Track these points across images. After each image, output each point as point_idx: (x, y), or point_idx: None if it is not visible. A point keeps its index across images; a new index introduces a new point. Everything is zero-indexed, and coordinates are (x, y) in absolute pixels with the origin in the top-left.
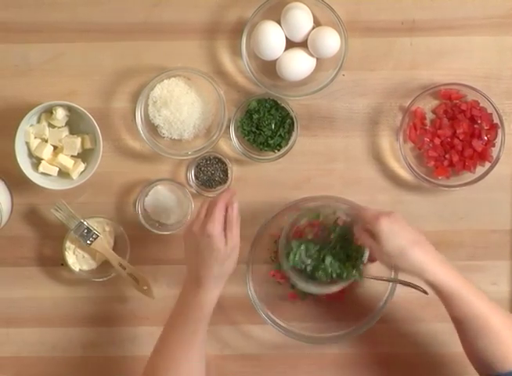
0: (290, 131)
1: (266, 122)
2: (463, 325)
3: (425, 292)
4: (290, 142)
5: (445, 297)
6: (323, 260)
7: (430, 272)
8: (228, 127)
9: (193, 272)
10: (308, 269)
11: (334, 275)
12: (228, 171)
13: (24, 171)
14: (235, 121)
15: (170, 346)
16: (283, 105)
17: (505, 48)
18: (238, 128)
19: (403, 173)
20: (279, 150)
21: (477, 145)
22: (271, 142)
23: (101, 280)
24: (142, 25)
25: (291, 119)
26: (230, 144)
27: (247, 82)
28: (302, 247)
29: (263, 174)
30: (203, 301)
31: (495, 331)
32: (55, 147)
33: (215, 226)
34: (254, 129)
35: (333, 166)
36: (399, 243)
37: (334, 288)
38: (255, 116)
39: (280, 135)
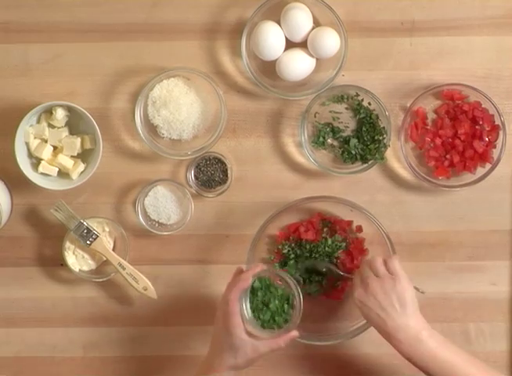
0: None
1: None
2: None
3: (422, 292)
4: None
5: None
6: (348, 142)
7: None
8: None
9: (209, 356)
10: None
11: (358, 157)
12: (228, 172)
13: (24, 171)
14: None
15: None
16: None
17: (505, 48)
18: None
19: (403, 173)
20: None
21: (478, 146)
22: (277, 318)
23: (101, 280)
24: (142, 25)
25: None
26: (230, 145)
27: (247, 82)
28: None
29: (263, 174)
30: None
31: None
32: (54, 147)
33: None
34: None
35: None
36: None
37: None
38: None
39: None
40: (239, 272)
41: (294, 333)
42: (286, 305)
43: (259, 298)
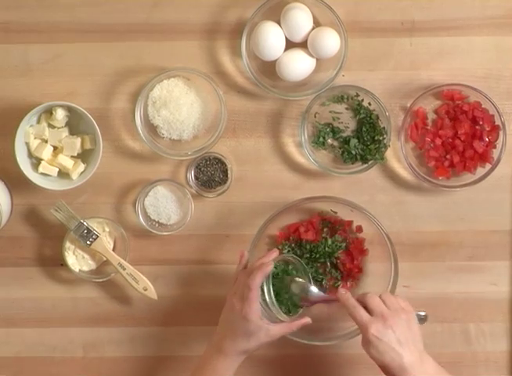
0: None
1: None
2: None
3: (423, 318)
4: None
5: None
6: (348, 142)
7: None
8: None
9: (219, 340)
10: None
11: (358, 157)
12: (228, 172)
13: (24, 171)
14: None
15: None
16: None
17: (505, 48)
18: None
19: (403, 173)
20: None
21: (479, 146)
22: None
23: (101, 280)
24: (142, 25)
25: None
26: (230, 145)
27: (247, 83)
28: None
29: (263, 174)
30: (222, 371)
31: None
32: (55, 148)
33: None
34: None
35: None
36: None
37: None
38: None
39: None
40: (243, 255)
41: (307, 319)
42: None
43: (276, 283)
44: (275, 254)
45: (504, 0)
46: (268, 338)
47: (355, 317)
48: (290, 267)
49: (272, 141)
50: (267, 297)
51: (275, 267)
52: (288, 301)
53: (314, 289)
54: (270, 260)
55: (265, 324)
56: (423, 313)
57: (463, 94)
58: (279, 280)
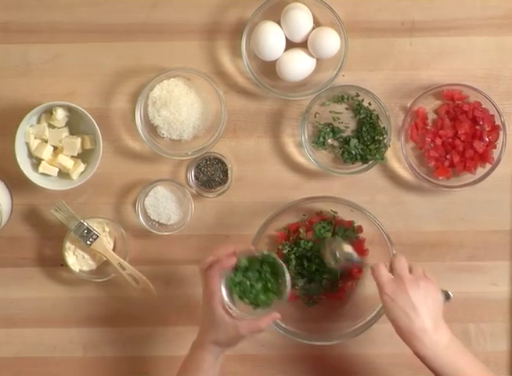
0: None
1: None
2: None
3: (449, 297)
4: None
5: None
6: (348, 142)
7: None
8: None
9: (198, 334)
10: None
11: (358, 157)
12: (228, 172)
13: (24, 171)
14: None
15: None
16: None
17: (505, 48)
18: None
19: (403, 173)
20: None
21: (479, 146)
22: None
23: (101, 280)
24: (142, 25)
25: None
26: (230, 145)
27: (247, 83)
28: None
29: (263, 174)
30: (202, 362)
31: None
32: (55, 148)
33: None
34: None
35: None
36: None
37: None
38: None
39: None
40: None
41: (275, 314)
42: (271, 287)
43: (245, 278)
44: (241, 249)
45: (504, 0)
46: (237, 334)
47: (374, 275)
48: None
49: (272, 141)
50: (224, 292)
51: (247, 260)
52: (259, 294)
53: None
54: (233, 255)
55: (232, 319)
56: (448, 292)
57: (463, 94)
58: (250, 274)
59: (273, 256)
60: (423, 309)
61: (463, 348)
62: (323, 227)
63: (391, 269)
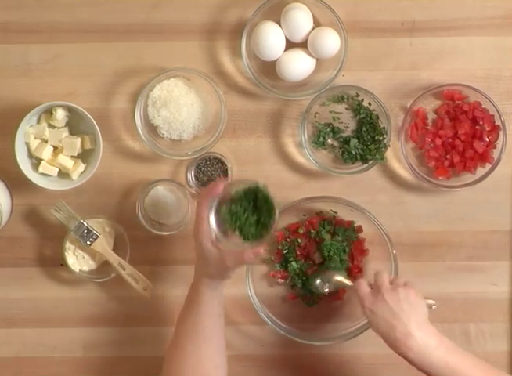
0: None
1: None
2: None
3: (433, 305)
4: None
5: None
6: (348, 142)
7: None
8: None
9: (194, 271)
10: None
11: (358, 157)
12: (228, 172)
13: (24, 171)
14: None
15: (180, 341)
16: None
17: (505, 48)
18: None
19: (403, 173)
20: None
21: (479, 146)
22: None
23: (101, 280)
24: (142, 25)
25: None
26: (230, 145)
27: (247, 83)
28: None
29: (263, 174)
30: (205, 297)
31: None
32: (55, 148)
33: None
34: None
35: None
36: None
37: None
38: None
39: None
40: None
41: (259, 249)
42: (263, 221)
43: (241, 209)
44: (222, 183)
45: (504, 0)
46: (224, 266)
47: (358, 289)
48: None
49: (272, 141)
50: (212, 221)
51: (241, 191)
52: (251, 227)
53: (339, 277)
54: (222, 184)
55: (219, 252)
56: (430, 301)
57: (463, 94)
58: (240, 205)
59: (266, 188)
60: (404, 314)
61: (454, 347)
62: (323, 228)
63: (372, 284)
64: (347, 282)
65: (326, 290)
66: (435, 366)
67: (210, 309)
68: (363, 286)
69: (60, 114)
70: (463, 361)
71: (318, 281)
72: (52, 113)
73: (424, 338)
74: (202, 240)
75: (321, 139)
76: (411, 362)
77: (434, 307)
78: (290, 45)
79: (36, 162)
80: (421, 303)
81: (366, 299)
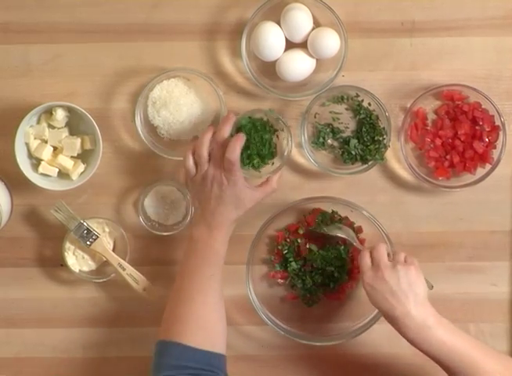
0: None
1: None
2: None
3: (431, 286)
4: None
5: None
6: (348, 143)
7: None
8: None
9: (207, 217)
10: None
11: (358, 157)
12: None
13: (24, 171)
14: None
15: (188, 292)
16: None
17: (505, 49)
18: None
19: (403, 173)
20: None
21: (479, 146)
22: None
23: (101, 280)
24: (142, 26)
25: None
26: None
27: (247, 83)
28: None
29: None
30: (218, 245)
31: None
32: (54, 148)
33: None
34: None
35: None
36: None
37: None
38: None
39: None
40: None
41: (279, 173)
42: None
43: (247, 136)
44: (231, 117)
45: (504, 1)
46: (253, 202)
47: (360, 261)
48: (258, 123)
49: None
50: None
51: (248, 120)
52: (258, 154)
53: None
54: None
55: (249, 188)
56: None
57: (463, 94)
58: (251, 133)
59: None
60: (403, 293)
61: (453, 328)
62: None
63: (372, 259)
64: (354, 242)
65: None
66: (434, 345)
67: (223, 258)
68: (366, 259)
69: (60, 115)
70: (461, 341)
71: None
72: (51, 114)
73: (423, 317)
74: (240, 185)
75: (321, 140)
76: (411, 341)
77: (432, 287)
78: (289, 45)
79: (36, 162)
80: (421, 281)
81: (367, 275)
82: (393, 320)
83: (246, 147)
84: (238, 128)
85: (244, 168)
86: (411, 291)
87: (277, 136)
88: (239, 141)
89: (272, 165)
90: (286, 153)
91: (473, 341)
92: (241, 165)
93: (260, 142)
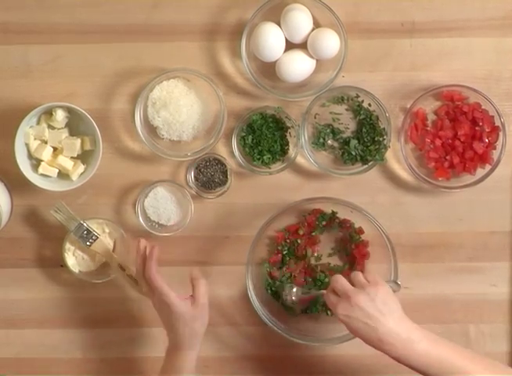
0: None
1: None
2: None
3: (396, 288)
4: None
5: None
6: (348, 143)
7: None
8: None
9: (169, 335)
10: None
11: (358, 158)
12: (228, 173)
13: (24, 172)
14: (236, 135)
15: None
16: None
17: (504, 49)
18: (240, 141)
19: (403, 174)
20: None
21: (478, 147)
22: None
23: (100, 281)
24: (142, 26)
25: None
26: (230, 145)
27: (247, 84)
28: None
29: (262, 175)
30: (180, 363)
31: None
32: (54, 149)
33: (167, 295)
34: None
35: None
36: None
37: None
38: (257, 132)
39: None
40: (139, 243)
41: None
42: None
43: (256, 134)
44: (155, 250)
45: (504, 1)
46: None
47: (327, 302)
48: (270, 120)
49: None
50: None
51: (261, 116)
52: (269, 150)
53: (298, 290)
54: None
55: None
56: (395, 281)
57: (463, 95)
58: (262, 129)
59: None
60: (380, 313)
61: (436, 338)
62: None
63: (337, 292)
64: (314, 291)
65: (294, 298)
66: (422, 359)
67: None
68: (331, 296)
69: (60, 115)
70: (447, 350)
71: (294, 289)
72: (51, 114)
73: (407, 333)
74: (173, 301)
75: (321, 140)
76: (397, 359)
77: (400, 286)
78: (289, 45)
79: (36, 163)
80: (393, 298)
81: (338, 307)
82: (377, 342)
83: (257, 143)
84: (249, 124)
85: (254, 163)
86: (386, 308)
87: (289, 134)
88: (151, 256)
89: (282, 163)
90: (293, 154)
91: (458, 349)
92: (251, 160)
93: (271, 138)
